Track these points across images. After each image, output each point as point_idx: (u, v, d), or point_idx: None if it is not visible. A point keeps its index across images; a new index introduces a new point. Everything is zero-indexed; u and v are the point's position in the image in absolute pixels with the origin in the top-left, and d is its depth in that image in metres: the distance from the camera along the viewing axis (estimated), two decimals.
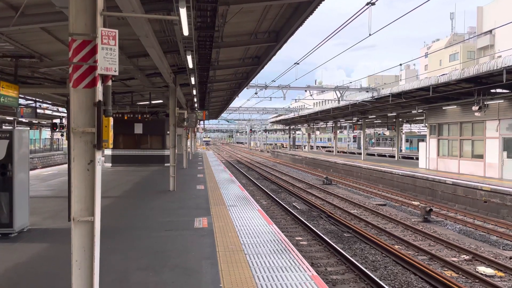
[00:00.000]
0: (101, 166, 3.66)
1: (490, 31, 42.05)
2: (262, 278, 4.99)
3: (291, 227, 12.21)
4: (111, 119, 3.63)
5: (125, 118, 19.03)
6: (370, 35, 9.07)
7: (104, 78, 3.64)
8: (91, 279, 3.53)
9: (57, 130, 29.89)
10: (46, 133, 49.73)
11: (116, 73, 3.57)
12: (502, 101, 16.44)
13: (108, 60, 3.52)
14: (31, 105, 20.25)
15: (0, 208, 6.93)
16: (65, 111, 22.47)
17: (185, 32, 6.38)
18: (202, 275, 5.11)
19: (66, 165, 22.11)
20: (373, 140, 61.88)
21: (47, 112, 29.31)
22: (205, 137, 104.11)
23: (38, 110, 23.69)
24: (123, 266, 5.49)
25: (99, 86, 3.56)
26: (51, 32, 8.15)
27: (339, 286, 7.47)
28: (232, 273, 5.14)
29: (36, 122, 34.15)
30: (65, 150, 35.90)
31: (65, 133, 27.34)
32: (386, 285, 7.18)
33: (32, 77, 11.69)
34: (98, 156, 3.58)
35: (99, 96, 3.55)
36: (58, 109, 26.66)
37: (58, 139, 46.63)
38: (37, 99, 19.60)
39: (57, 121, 30.29)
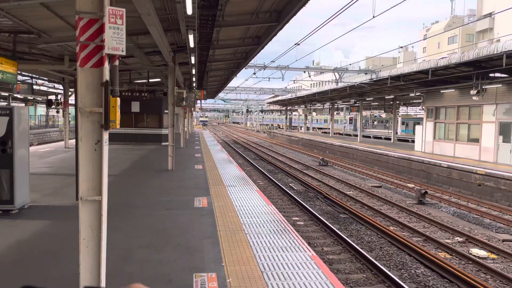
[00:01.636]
0: (107, 146, 3.68)
1: (490, 14, 41.73)
2: (263, 258, 5.09)
3: (288, 207, 12.34)
4: (118, 100, 3.63)
5: (122, 96, 18.90)
6: (374, 17, 8.99)
7: (111, 57, 3.62)
8: (98, 257, 3.59)
9: (53, 106, 29.63)
10: (41, 109, 49.34)
11: (124, 53, 3.55)
12: (500, 85, 16.48)
13: (115, 39, 3.50)
14: (27, 81, 20.03)
15: (1, 184, 6.96)
16: (61, 88, 22.25)
17: (189, 11, 6.31)
18: (204, 253, 5.21)
19: (62, 142, 22.07)
20: (375, 122, 61.84)
21: (42, 88, 29.03)
22: (202, 117, 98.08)
23: (34, 87, 23.46)
24: (126, 244, 5.57)
25: (106, 66, 3.54)
26: (50, 8, 8.01)
27: (336, 265, 7.62)
28: (233, 252, 5.24)
29: (31, 98, 33.81)
30: (61, 127, 35.70)
31: (61, 110, 27.11)
32: (382, 265, 7.34)
33: (29, 53, 11.53)
34: (105, 136, 3.60)
35: (106, 76, 3.54)
36: (54, 85, 26.38)
37: (54, 115, 46.30)
38: (33, 75, 19.39)
39: (52, 97, 29.98)
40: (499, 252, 8.45)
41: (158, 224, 6.64)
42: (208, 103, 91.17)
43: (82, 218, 3.56)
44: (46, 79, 21.04)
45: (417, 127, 24.24)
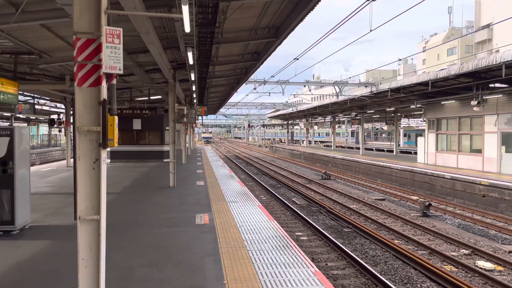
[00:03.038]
0: (106, 165, 3.67)
1: (488, 25, 42.04)
2: (266, 275, 5.02)
3: (291, 222, 12.25)
4: (116, 118, 3.63)
5: (124, 114, 18.98)
6: (371, 30, 9.06)
7: (109, 76, 3.64)
8: (97, 277, 3.55)
9: (55, 126, 29.80)
10: (44, 129, 49.55)
11: (121, 72, 3.57)
12: (501, 95, 16.48)
13: (112, 58, 3.52)
14: (29, 101, 20.18)
15: (2, 205, 6.94)
16: (63, 107, 22.41)
17: (187, 29, 6.37)
18: (205, 271, 5.14)
19: (64, 161, 22.10)
20: (383, 135, 61.81)
21: (44, 108, 29.23)
22: (205, 133, 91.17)
23: (36, 106, 23.60)
24: (127, 263, 5.51)
25: (104, 85, 3.56)
26: (50, 28, 8.11)
27: (340, 281, 7.51)
28: (235, 270, 5.18)
29: (34, 118, 34.01)
30: (63, 146, 35.82)
31: (63, 129, 27.26)
32: (386, 280, 7.23)
33: (31, 74, 11.64)
34: (104, 154, 3.59)
35: (104, 95, 3.55)
36: (56, 105, 26.55)
37: (56, 135, 46.48)
38: (35, 95, 19.53)
39: (54, 117, 30.16)
40: (506, 264, 8.32)
41: (159, 242, 6.58)
42: (210, 118, 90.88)
43: (80, 238, 3.52)
44: (48, 98, 21.18)
45: (419, 138, 24.19)
